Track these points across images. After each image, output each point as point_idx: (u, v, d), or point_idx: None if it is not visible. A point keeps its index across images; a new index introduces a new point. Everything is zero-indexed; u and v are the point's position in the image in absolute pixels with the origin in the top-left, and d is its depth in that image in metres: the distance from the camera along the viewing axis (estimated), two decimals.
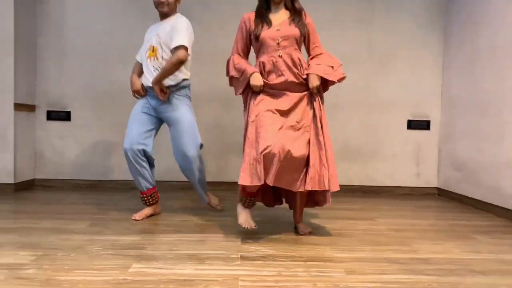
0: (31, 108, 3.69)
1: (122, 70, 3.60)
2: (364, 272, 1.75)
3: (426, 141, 3.93)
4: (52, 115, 3.78)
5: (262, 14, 2.31)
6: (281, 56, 2.24)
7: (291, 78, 2.24)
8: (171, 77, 2.53)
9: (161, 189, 3.12)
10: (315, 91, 2.25)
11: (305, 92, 2.27)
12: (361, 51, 3.89)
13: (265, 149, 2.01)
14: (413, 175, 3.94)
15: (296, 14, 2.33)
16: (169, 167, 3.53)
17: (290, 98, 2.23)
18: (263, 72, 2.27)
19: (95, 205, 3.00)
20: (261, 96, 2.24)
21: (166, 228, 2.41)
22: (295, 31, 2.26)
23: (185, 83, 2.62)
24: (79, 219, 2.54)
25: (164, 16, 2.60)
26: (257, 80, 2.22)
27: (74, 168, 3.82)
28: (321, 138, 2.22)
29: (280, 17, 2.32)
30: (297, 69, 2.26)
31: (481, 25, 3.32)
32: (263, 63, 2.27)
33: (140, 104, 2.64)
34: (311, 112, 2.26)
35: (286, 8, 2.35)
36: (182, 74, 2.59)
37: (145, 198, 2.64)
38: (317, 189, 2.18)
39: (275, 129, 2.10)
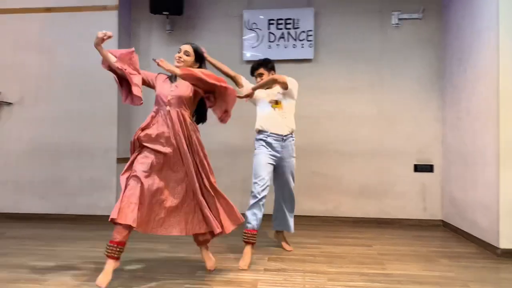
0: (127, 160, 5.11)
1: None
2: (339, 279, 2.77)
3: (431, 181, 4.78)
4: None
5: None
6: None
7: None
8: None
9: None
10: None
11: None
12: (372, 110, 4.88)
13: None
14: (421, 209, 4.79)
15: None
16: None
17: None
18: None
19: None
20: None
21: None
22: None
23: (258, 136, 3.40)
24: None
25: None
26: None
27: None
28: None
29: None
30: None
31: (461, 90, 4.21)
32: None
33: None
34: None
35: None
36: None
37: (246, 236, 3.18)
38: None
39: None
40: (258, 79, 3.38)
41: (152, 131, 2.70)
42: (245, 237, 3.14)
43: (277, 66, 4.87)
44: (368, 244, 3.80)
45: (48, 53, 4.92)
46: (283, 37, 4.93)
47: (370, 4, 4.91)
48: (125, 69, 2.69)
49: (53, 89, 4.91)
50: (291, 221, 3.57)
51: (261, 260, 3.23)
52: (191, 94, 2.77)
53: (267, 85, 3.35)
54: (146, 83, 2.89)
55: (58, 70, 4.91)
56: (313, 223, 4.78)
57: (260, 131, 3.39)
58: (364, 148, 4.88)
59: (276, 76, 3.29)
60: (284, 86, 3.30)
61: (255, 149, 3.38)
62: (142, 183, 2.55)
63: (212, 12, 5.14)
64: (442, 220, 4.72)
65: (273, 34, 4.94)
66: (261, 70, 3.38)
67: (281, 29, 4.93)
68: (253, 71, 3.42)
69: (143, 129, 2.73)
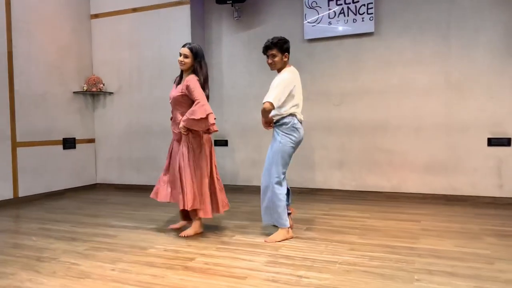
0: None
1: (257, 112, 5.25)
2: (360, 250, 2.90)
3: (508, 156, 4.37)
4: (217, 143, 5.72)
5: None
6: None
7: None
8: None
9: None
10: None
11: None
12: (440, 82, 4.61)
13: None
14: (496, 186, 4.42)
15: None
16: None
17: None
18: None
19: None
20: None
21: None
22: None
23: (284, 120, 3.16)
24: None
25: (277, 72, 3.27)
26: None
27: (230, 176, 5.68)
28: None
29: None
30: None
31: None
32: None
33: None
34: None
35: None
36: (279, 113, 3.15)
37: None
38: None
39: None
40: (270, 60, 3.19)
41: None
42: None
43: (337, 42, 5.00)
44: (417, 220, 3.75)
45: (136, 48, 5.72)
46: (342, 13, 4.91)
47: None
48: None
49: (142, 79, 5.72)
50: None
51: (299, 229, 3.48)
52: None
53: (265, 119, 3.20)
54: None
55: (145, 62, 5.69)
56: (376, 199, 4.79)
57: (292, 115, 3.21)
58: (431, 122, 4.66)
59: (262, 110, 3.10)
60: (265, 112, 3.10)
61: (285, 137, 3.18)
62: None
63: None
64: None
65: (332, 10, 4.96)
66: (274, 51, 3.15)
67: (340, 4, 4.92)
68: (266, 50, 3.20)
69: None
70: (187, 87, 3.22)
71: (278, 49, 3.15)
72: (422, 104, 4.70)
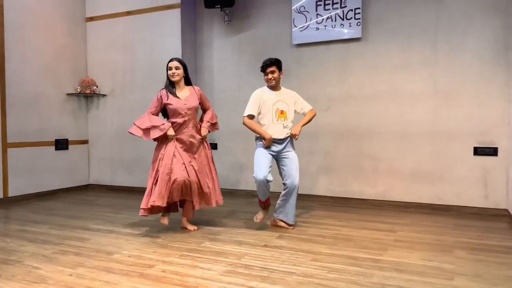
0: None
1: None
2: (322, 260, 2.86)
3: (494, 166, 4.26)
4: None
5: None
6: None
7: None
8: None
9: None
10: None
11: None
12: (427, 88, 4.52)
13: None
14: (482, 197, 4.32)
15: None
16: None
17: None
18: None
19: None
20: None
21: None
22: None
23: None
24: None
25: (273, 88, 3.74)
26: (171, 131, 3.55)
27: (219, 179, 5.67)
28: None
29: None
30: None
31: None
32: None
33: (265, 150, 3.67)
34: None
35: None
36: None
37: (263, 205, 3.80)
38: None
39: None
40: (270, 76, 3.67)
41: None
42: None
43: (325, 47, 4.98)
44: (393, 230, 3.69)
45: (130, 50, 5.78)
46: (330, 18, 4.87)
47: None
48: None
49: (135, 81, 5.78)
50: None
51: (270, 237, 3.47)
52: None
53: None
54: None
55: (137, 65, 5.75)
56: (360, 206, 4.73)
57: None
58: (418, 129, 4.57)
59: (314, 116, 3.90)
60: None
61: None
62: None
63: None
64: (507, 210, 4.19)
65: (320, 15, 4.91)
66: (274, 68, 3.67)
67: (328, 10, 4.87)
68: (266, 68, 3.67)
69: None
70: (202, 95, 3.75)
71: (277, 67, 3.67)
72: (409, 111, 4.62)
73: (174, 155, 3.51)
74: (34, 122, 5.39)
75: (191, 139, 3.61)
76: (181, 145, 3.58)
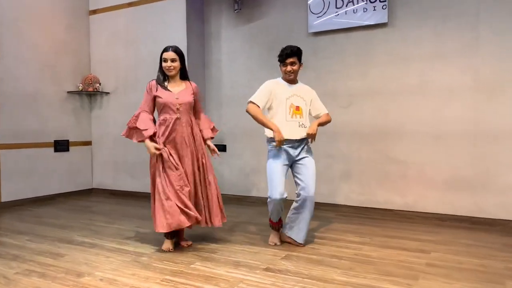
0: None
1: None
2: None
3: None
4: None
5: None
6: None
7: None
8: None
9: None
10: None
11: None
12: (465, 81, 3.84)
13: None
14: None
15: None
16: None
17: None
18: None
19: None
20: None
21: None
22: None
23: None
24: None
25: (291, 81, 3.15)
26: None
27: (228, 185, 5.16)
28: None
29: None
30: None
31: None
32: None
33: (279, 160, 3.07)
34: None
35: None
36: None
37: (276, 226, 3.23)
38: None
39: None
40: (289, 67, 3.07)
41: None
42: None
43: (346, 36, 4.37)
44: (426, 250, 3.05)
45: (133, 44, 5.35)
46: (351, 1, 4.25)
47: None
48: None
49: (137, 78, 5.33)
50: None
51: (275, 257, 2.91)
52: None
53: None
54: None
55: (140, 60, 5.30)
56: (386, 218, 4.10)
57: None
58: (455, 129, 3.90)
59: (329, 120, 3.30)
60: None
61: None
62: None
63: None
64: None
65: None
66: (295, 59, 3.08)
67: None
68: (286, 57, 3.06)
69: None
70: (197, 93, 3.21)
71: (298, 58, 3.09)
72: (444, 107, 3.95)
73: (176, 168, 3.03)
74: (31, 122, 5.03)
75: (186, 139, 3.07)
76: (174, 151, 3.06)
